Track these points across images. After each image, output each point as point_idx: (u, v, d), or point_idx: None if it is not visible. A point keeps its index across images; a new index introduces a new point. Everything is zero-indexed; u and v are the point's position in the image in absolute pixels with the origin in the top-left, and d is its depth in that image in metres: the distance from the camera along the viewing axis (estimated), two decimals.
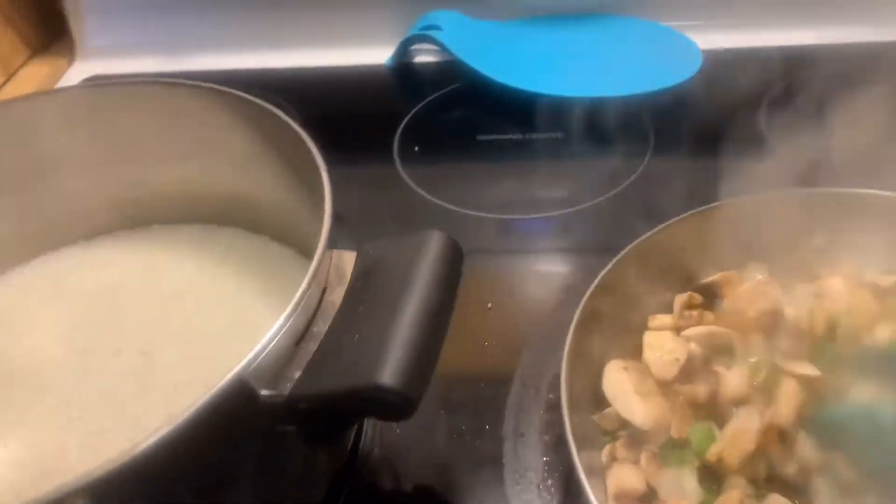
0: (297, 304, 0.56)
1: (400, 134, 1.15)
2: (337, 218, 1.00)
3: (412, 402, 0.52)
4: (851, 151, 0.93)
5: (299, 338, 0.58)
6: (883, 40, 1.24)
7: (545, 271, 0.94)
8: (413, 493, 0.73)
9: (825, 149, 0.97)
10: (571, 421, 0.65)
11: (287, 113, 0.73)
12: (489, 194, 1.04)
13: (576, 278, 0.89)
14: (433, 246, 0.60)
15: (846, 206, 0.81)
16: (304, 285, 0.57)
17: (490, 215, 1.00)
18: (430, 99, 1.22)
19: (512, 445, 0.75)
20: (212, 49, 1.35)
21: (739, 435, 0.64)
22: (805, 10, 1.28)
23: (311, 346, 0.57)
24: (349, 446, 0.73)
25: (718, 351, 0.74)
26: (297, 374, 0.55)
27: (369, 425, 0.77)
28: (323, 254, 0.60)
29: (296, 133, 0.72)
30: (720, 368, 0.71)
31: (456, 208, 1.01)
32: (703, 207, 0.80)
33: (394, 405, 0.51)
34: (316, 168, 0.68)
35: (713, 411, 0.68)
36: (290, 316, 0.55)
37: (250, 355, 0.53)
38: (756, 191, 0.83)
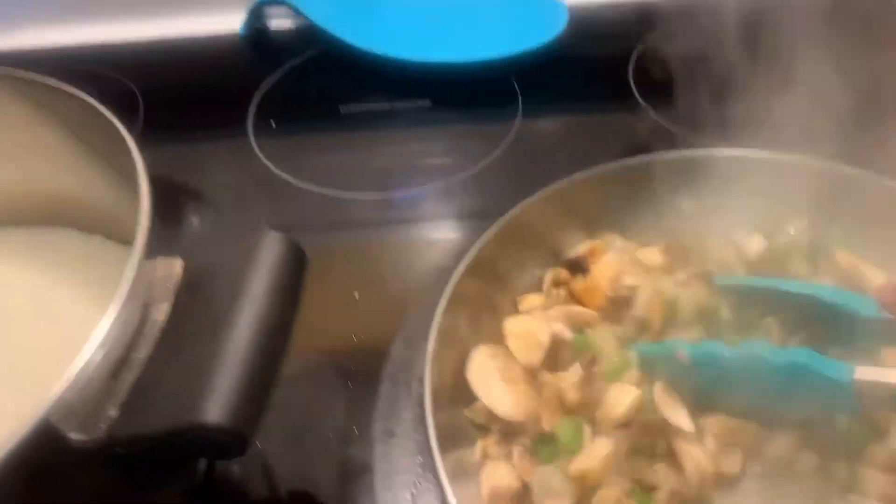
0: (111, 329, 0.49)
1: (255, 107, 1.06)
2: (181, 205, 0.92)
3: (243, 438, 0.46)
4: (722, 108, 0.91)
5: (117, 367, 0.51)
6: None
7: (415, 253, 0.88)
8: None
9: (696, 106, 0.95)
10: (437, 417, 0.61)
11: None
12: (353, 171, 0.97)
13: (448, 258, 0.84)
14: (269, 250, 0.54)
15: (715, 167, 0.79)
16: (116, 306, 0.50)
17: (354, 194, 0.93)
18: (286, 68, 1.13)
19: (383, 448, 0.70)
20: (36, 22, 1.20)
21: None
22: None
23: (131, 377, 0.50)
24: (200, 467, 0.67)
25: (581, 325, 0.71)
26: (113, 413, 0.48)
27: None
28: (140, 265, 0.52)
29: (110, 123, 0.63)
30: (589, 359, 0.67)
31: (317, 188, 0.94)
32: (569, 178, 0.77)
33: (222, 444, 0.45)
34: (132, 161, 0.60)
35: (586, 402, 0.65)
36: (102, 344, 0.48)
37: (55, 394, 0.45)
38: (626, 153, 0.80)
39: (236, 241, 0.55)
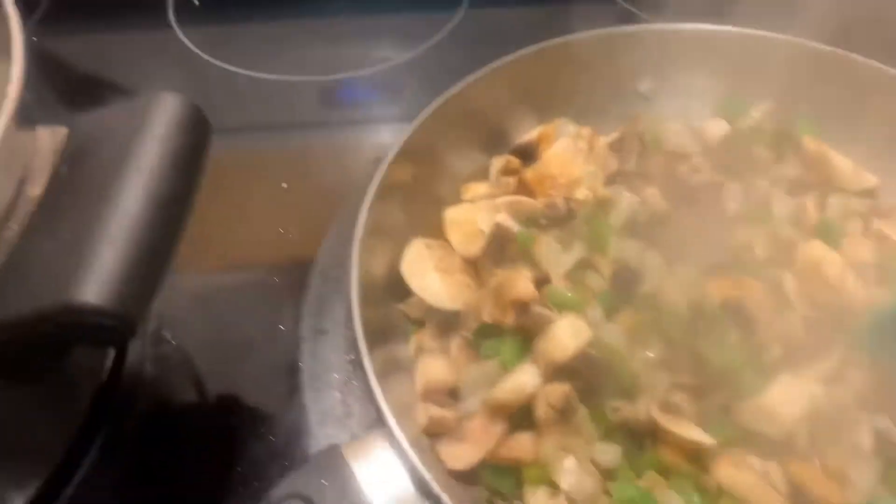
0: None
1: None
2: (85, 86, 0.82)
3: (126, 322, 0.39)
4: None
5: None
6: None
7: (351, 142, 0.81)
8: (194, 414, 0.61)
9: None
10: (368, 313, 0.55)
11: None
12: (285, 54, 0.89)
13: (384, 147, 0.77)
14: (163, 113, 0.46)
15: (674, 43, 0.73)
16: None
17: (285, 78, 0.85)
18: None
19: (311, 346, 0.64)
20: None
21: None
22: None
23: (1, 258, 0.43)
24: (108, 367, 0.61)
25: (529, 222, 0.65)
26: None
27: (137, 339, 0.64)
28: (7, 132, 0.44)
29: None
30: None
31: (244, 71, 0.86)
32: (514, 55, 0.69)
33: (101, 328, 0.39)
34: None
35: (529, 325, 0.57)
36: None
37: None
38: (578, 30, 0.73)
39: (128, 106, 0.48)
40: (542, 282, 0.59)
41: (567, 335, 0.53)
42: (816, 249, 0.60)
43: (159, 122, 0.46)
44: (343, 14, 0.94)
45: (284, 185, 0.75)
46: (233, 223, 0.71)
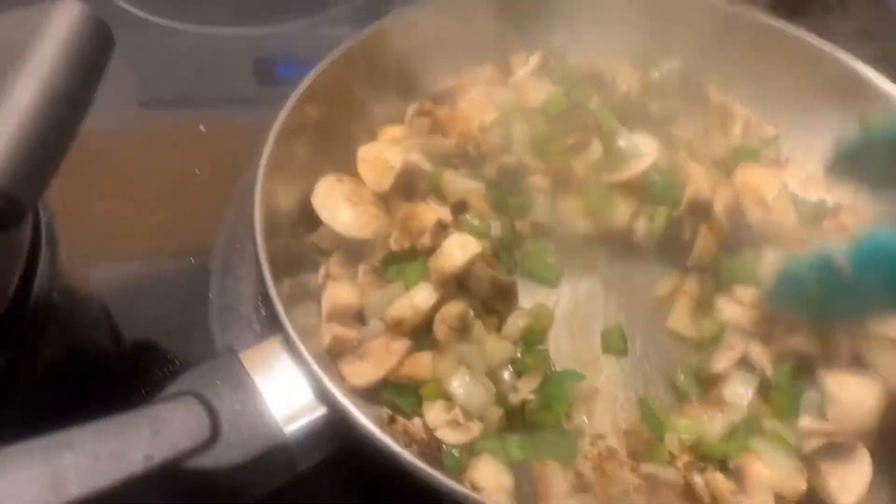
0: None
1: None
2: None
3: (16, 202, 0.40)
4: None
5: None
6: None
7: (268, 80, 0.82)
8: (103, 340, 0.61)
9: None
10: (276, 244, 0.55)
11: None
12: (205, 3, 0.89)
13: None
14: (61, 20, 0.46)
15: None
16: None
17: (206, 29, 0.86)
18: None
19: (220, 279, 0.65)
20: None
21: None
22: None
23: None
24: (10, 292, 0.60)
25: (438, 161, 0.67)
26: None
27: (45, 265, 0.63)
28: None
29: None
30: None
31: (162, 20, 0.85)
32: (429, 2, 0.71)
33: None
34: None
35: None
36: None
37: None
38: None
39: (27, 12, 0.48)
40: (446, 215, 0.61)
41: (457, 248, 0.55)
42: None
43: (55, 28, 0.46)
44: None
45: (202, 127, 0.75)
46: (150, 161, 0.71)
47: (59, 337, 0.61)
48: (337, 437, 0.47)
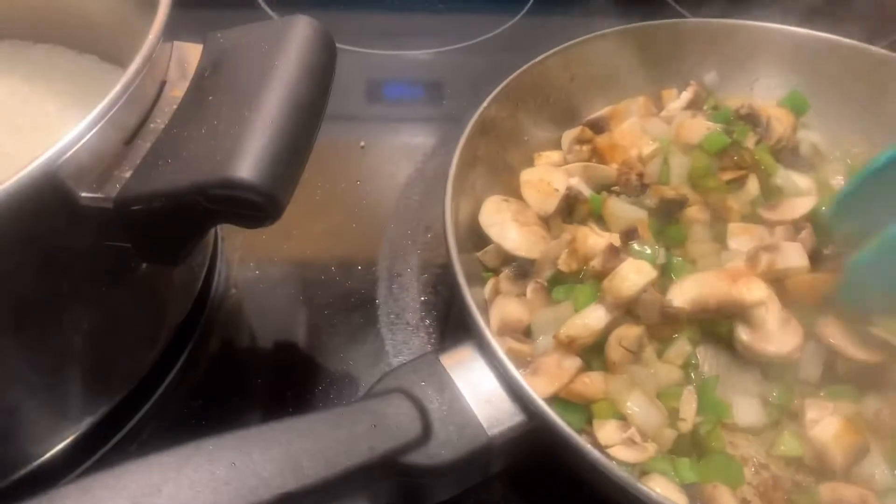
0: (121, 93, 0.45)
1: None
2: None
3: (276, 199, 0.43)
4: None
5: (131, 135, 0.47)
6: None
7: (423, 112, 0.85)
8: (277, 336, 0.64)
9: None
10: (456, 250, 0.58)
11: None
12: (362, 29, 0.93)
13: (456, 119, 0.81)
14: (299, 32, 0.50)
15: (736, 38, 0.78)
16: (130, 72, 0.46)
17: (364, 50, 0.89)
18: None
19: (387, 286, 0.67)
20: None
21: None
22: None
23: (148, 144, 0.46)
24: (198, 287, 0.64)
25: (598, 185, 0.69)
26: (128, 174, 0.45)
27: (223, 264, 0.67)
28: (157, 40, 0.48)
29: None
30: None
31: None
32: (586, 36, 0.74)
33: (253, 204, 0.42)
34: None
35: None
36: (111, 106, 0.44)
37: (58, 146, 0.41)
38: (648, 19, 0.78)
39: (265, 25, 0.52)
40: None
41: (633, 273, 0.57)
42: None
43: (296, 40, 0.50)
44: (411, 9, 0.99)
45: (362, 143, 0.79)
46: (314, 175, 0.75)
47: (231, 334, 0.65)
48: (532, 443, 0.49)
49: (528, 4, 0.99)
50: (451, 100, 0.87)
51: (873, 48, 0.75)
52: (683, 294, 0.59)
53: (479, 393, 0.49)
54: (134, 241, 0.46)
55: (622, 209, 0.65)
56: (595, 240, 0.62)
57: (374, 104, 0.86)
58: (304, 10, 0.90)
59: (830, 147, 0.75)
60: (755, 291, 0.59)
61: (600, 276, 0.60)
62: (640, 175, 0.68)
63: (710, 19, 0.79)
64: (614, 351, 0.57)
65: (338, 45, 0.87)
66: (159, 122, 0.48)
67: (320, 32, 0.51)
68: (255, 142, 0.43)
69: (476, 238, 0.66)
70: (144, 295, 0.57)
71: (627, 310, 0.59)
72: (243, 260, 0.68)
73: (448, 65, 0.91)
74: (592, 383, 0.57)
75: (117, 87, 0.45)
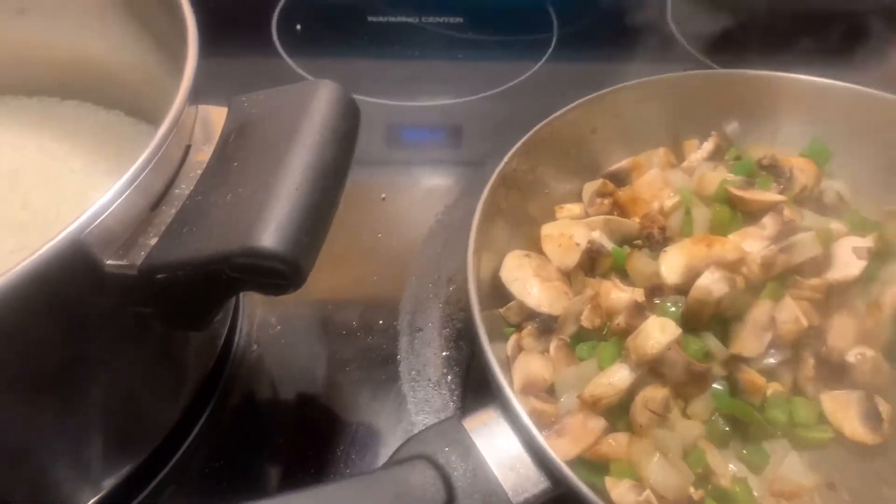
0: (149, 160, 0.45)
1: (279, 12, 1.02)
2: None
3: (299, 268, 0.43)
4: (763, 38, 0.90)
5: (156, 200, 0.48)
6: None
7: (444, 162, 0.86)
8: (298, 392, 0.64)
9: (738, 36, 0.94)
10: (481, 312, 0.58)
11: None
12: (382, 78, 0.94)
13: (477, 169, 0.81)
14: (323, 96, 0.51)
15: (758, 88, 0.77)
16: (157, 138, 0.46)
17: (384, 101, 0.91)
18: None
19: (408, 341, 0.67)
20: None
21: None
22: None
23: (173, 210, 0.47)
24: (220, 344, 0.64)
25: (620, 239, 0.69)
26: (153, 241, 0.45)
27: (244, 320, 0.67)
28: (184, 105, 0.49)
29: None
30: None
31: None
32: (608, 89, 0.74)
33: (276, 272, 0.42)
34: (178, 11, 0.56)
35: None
36: (138, 172, 0.45)
37: (87, 214, 0.42)
38: (668, 66, 0.78)
39: (289, 89, 0.52)
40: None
41: (657, 331, 0.56)
42: None
43: (319, 104, 0.50)
44: (435, 45, 1.00)
45: (384, 196, 0.79)
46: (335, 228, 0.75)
47: (252, 390, 0.65)
48: None
49: (549, 51, 0.99)
50: (471, 149, 0.87)
51: (891, 96, 0.74)
52: (673, 269, 0.61)
53: (503, 458, 0.48)
54: (158, 307, 0.46)
55: (645, 264, 0.65)
56: (618, 295, 0.61)
57: (394, 155, 0.86)
58: (324, 60, 0.96)
59: (856, 196, 0.74)
60: (731, 250, 0.61)
61: (624, 333, 0.59)
62: (663, 228, 0.67)
63: (731, 70, 0.79)
64: (641, 414, 0.56)
65: (359, 96, 0.89)
66: (184, 187, 0.48)
67: (343, 97, 0.51)
68: (279, 209, 0.43)
69: (498, 293, 0.65)
70: (166, 355, 0.57)
71: (652, 368, 0.58)
72: (264, 316, 0.68)
73: (470, 113, 0.91)
74: (618, 445, 0.56)
75: (144, 154, 0.46)
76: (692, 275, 0.60)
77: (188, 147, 0.51)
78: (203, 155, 0.51)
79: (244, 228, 0.42)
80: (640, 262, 0.65)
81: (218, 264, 0.42)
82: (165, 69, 0.63)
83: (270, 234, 0.42)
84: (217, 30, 0.98)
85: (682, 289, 0.61)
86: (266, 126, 0.50)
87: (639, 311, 0.59)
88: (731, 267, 0.62)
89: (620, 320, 0.59)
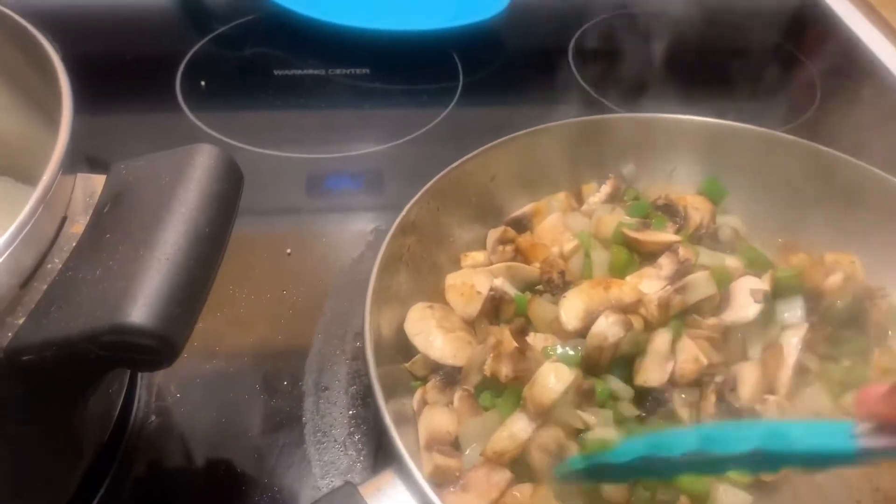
0: (15, 235, 0.43)
1: (184, 68, 1.02)
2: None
3: (171, 344, 0.41)
4: (666, 90, 0.94)
5: (27, 277, 0.46)
6: None
7: (351, 213, 0.85)
8: (201, 461, 0.62)
9: (636, 80, 0.97)
10: (378, 367, 0.57)
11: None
12: (288, 132, 0.94)
13: (385, 220, 0.81)
14: (202, 161, 0.50)
15: (653, 130, 0.80)
16: (25, 212, 0.45)
17: (289, 154, 0.90)
18: (219, 32, 1.09)
19: (313, 401, 0.66)
20: None
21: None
22: None
23: (42, 286, 0.45)
24: (115, 415, 0.61)
25: (523, 285, 0.70)
26: (21, 321, 0.43)
27: (142, 389, 0.65)
28: (56, 175, 0.47)
29: (27, 34, 0.58)
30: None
31: (250, 147, 0.90)
32: (508, 136, 0.75)
33: (146, 349, 0.41)
34: (54, 77, 0.55)
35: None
36: (3, 249, 0.43)
37: None
38: (563, 118, 0.80)
39: (168, 155, 0.51)
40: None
41: (551, 378, 0.56)
42: None
43: (197, 169, 0.49)
44: (342, 97, 1.00)
45: (288, 250, 0.78)
46: (239, 280, 0.74)
47: (153, 460, 0.62)
48: None
49: (456, 97, 1.01)
50: (381, 199, 0.87)
51: (780, 134, 0.77)
52: (573, 315, 0.61)
53: None
54: (28, 388, 0.44)
55: (546, 310, 0.65)
56: (509, 341, 0.61)
57: (301, 207, 0.85)
58: (229, 116, 0.95)
59: (752, 231, 0.76)
60: (628, 293, 0.62)
61: (518, 382, 0.59)
62: (562, 273, 0.68)
63: (624, 114, 0.82)
64: (537, 457, 0.56)
65: (264, 150, 0.89)
66: (57, 261, 0.47)
67: (223, 161, 0.50)
68: (149, 282, 0.42)
69: (404, 346, 0.65)
70: (53, 432, 0.54)
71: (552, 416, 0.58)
72: (164, 383, 0.66)
73: (379, 162, 0.92)
74: (523, 497, 0.55)
75: (10, 229, 0.44)
76: (591, 319, 0.61)
77: (64, 219, 0.50)
78: (79, 226, 0.49)
79: (112, 304, 0.41)
80: (541, 307, 0.65)
81: (86, 343, 0.41)
82: (51, 136, 0.61)
83: (139, 309, 0.41)
84: (118, 88, 0.98)
85: (584, 332, 0.61)
86: (142, 194, 0.48)
87: (521, 358, 0.59)
88: (629, 309, 0.63)
89: (507, 371, 0.59)
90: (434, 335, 0.64)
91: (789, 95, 1.00)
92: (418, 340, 0.64)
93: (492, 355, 0.61)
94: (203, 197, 0.48)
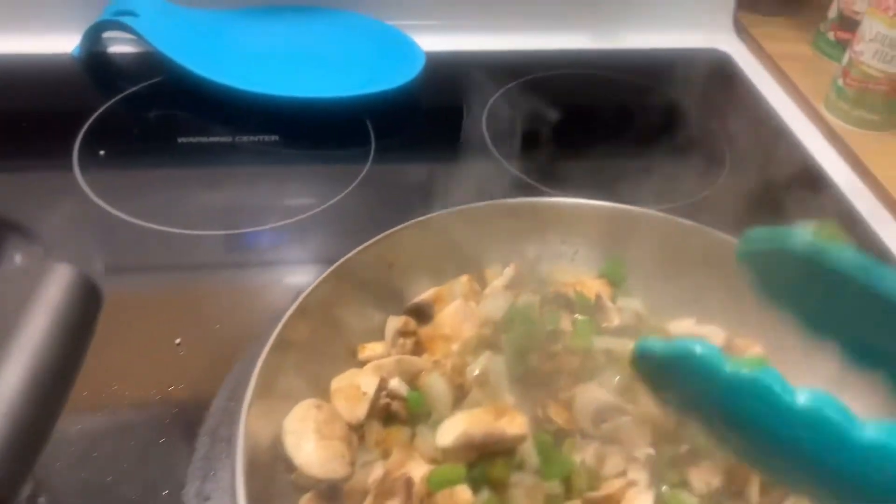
0: None
1: (83, 135, 0.98)
2: None
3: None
4: (574, 159, 0.93)
5: None
6: (602, 48, 1.27)
7: (250, 297, 0.82)
8: None
9: (547, 155, 0.97)
10: (256, 479, 0.54)
11: None
12: (187, 206, 0.90)
13: (285, 302, 0.78)
14: (55, 286, 0.47)
15: (555, 214, 0.79)
16: None
17: (183, 231, 0.86)
18: (123, 95, 1.06)
19: None
20: None
21: None
22: (527, 16, 1.28)
23: None
24: None
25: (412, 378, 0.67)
26: None
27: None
28: None
29: None
30: None
31: (142, 223, 0.86)
32: (398, 227, 0.73)
33: None
34: None
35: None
36: None
37: None
38: (472, 199, 0.79)
39: (16, 271, 0.48)
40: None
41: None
42: None
43: (48, 293, 0.46)
44: (249, 166, 0.98)
45: (178, 340, 0.75)
46: (123, 378, 0.70)
47: None
48: None
49: (368, 163, 0.99)
50: (285, 279, 0.84)
51: (679, 220, 0.77)
52: (449, 433, 0.59)
53: None
54: None
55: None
56: (417, 467, 0.59)
57: (189, 297, 0.82)
58: (128, 187, 0.91)
59: (652, 312, 0.76)
60: (516, 426, 0.59)
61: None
62: (456, 367, 0.66)
63: (524, 199, 0.80)
64: None
65: (159, 226, 0.85)
66: None
67: (81, 284, 0.47)
68: None
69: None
70: None
71: None
72: (38, 492, 0.62)
73: (285, 237, 0.89)
74: None
75: None
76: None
77: None
78: None
79: None
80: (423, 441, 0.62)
81: None
82: None
83: None
84: (10, 158, 0.93)
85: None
86: None
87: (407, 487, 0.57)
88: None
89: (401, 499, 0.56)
90: (306, 439, 0.60)
91: (699, 165, 1.01)
92: (288, 440, 0.60)
93: (374, 494, 0.58)
94: (51, 330, 0.45)
